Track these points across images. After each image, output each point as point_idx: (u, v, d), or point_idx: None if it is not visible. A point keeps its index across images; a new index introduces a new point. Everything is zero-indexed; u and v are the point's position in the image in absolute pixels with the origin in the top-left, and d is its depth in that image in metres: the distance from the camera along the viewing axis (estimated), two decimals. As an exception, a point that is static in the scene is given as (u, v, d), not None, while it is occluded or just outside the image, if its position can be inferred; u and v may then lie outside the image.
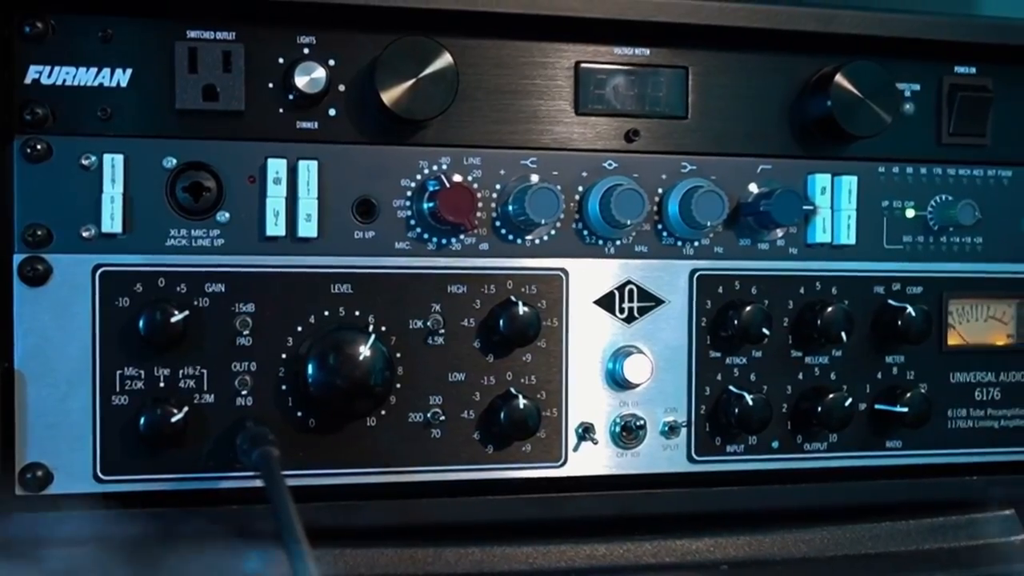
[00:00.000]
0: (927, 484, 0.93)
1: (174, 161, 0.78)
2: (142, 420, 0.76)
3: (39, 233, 0.76)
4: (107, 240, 0.77)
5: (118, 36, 0.77)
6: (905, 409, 0.91)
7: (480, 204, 0.84)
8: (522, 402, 0.83)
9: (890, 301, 0.92)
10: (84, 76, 0.77)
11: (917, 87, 0.94)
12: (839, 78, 0.88)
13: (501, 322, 0.82)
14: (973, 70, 0.96)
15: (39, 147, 0.76)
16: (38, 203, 0.76)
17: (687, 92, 0.89)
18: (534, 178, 0.84)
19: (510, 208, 0.83)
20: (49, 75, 0.76)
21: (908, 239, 0.94)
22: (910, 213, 0.94)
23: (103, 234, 0.77)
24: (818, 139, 0.91)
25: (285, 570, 0.66)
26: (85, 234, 0.77)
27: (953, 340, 0.96)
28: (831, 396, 0.89)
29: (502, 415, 0.82)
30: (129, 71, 0.77)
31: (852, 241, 0.92)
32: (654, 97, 0.88)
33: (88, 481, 0.77)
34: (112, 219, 0.76)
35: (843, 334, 0.89)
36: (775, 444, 0.91)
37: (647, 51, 0.88)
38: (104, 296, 0.77)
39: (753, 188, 0.90)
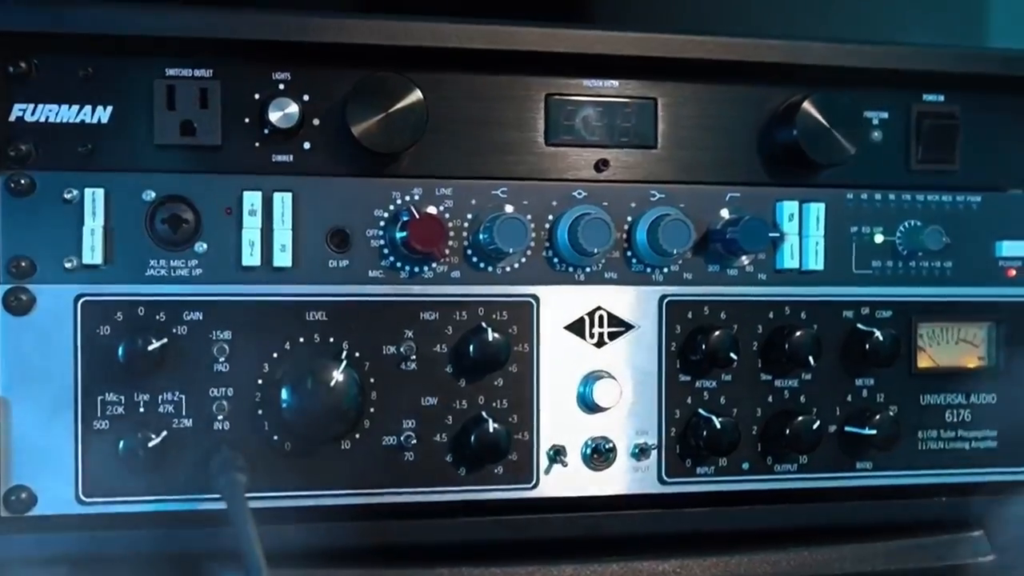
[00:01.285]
0: (897, 505, 0.93)
1: (153, 194, 0.80)
2: (121, 444, 0.78)
3: (23, 264, 0.78)
4: (89, 271, 0.79)
5: (99, 75, 0.79)
6: (874, 431, 0.92)
7: (452, 233, 0.85)
8: (493, 426, 0.84)
9: (859, 325, 0.93)
10: (66, 113, 0.79)
11: (885, 115, 0.95)
12: (805, 108, 0.89)
13: (471, 348, 0.84)
14: (941, 98, 0.97)
15: (23, 182, 0.78)
16: (22, 236, 0.78)
17: (656, 122, 0.90)
18: (508, 208, 0.86)
19: (481, 237, 0.84)
20: (33, 113, 0.78)
21: (877, 264, 0.95)
22: (879, 238, 0.95)
23: (85, 265, 0.79)
24: (786, 167, 0.92)
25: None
26: (67, 265, 0.79)
27: (924, 363, 0.96)
28: (799, 419, 0.90)
29: (473, 439, 0.84)
30: (110, 108, 0.79)
31: (820, 267, 0.92)
32: (623, 128, 0.89)
33: (71, 503, 0.79)
34: (93, 251, 0.78)
35: (811, 358, 0.90)
36: (745, 465, 0.91)
37: (616, 83, 0.89)
38: (85, 325, 0.79)
39: (725, 215, 0.91)
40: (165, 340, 0.79)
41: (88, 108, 0.79)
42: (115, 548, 0.78)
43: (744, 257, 0.91)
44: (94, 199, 0.78)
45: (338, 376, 0.79)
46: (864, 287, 0.94)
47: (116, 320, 0.79)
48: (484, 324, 0.84)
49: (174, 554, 0.78)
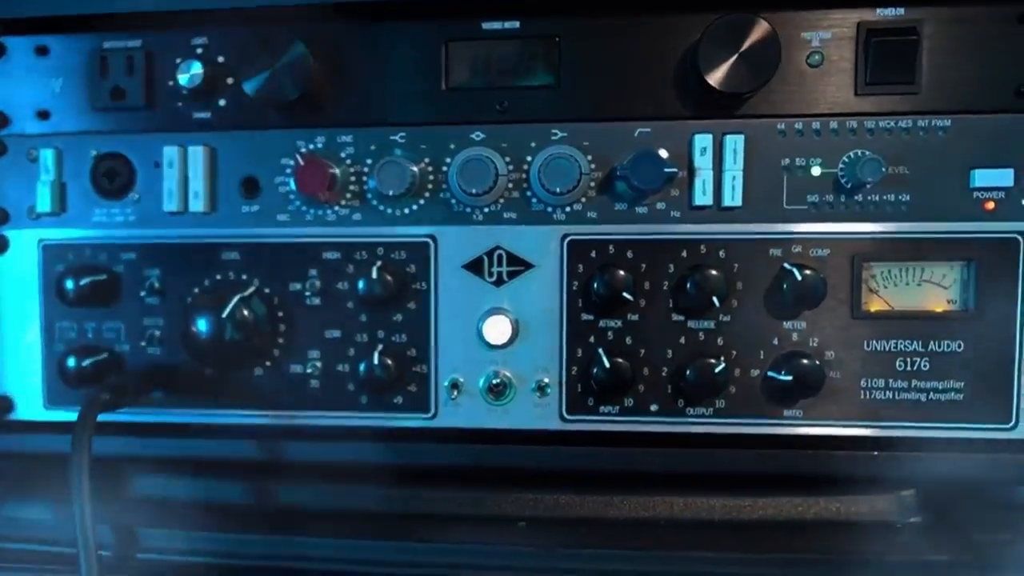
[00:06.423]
0: (822, 456, 0.82)
1: (94, 152, 0.88)
2: (68, 363, 0.88)
3: (-1, 214, 0.90)
4: (48, 218, 0.89)
5: (53, 51, 0.88)
6: (789, 377, 0.82)
7: (353, 178, 0.87)
8: (385, 360, 0.85)
9: (785, 265, 0.83)
10: (28, 85, 0.89)
11: (828, 35, 0.83)
12: (708, 36, 0.80)
13: (361, 285, 0.85)
14: (900, 11, 0.83)
15: (-4, 145, 0.90)
16: (-1, 189, 0.90)
17: (559, 61, 0.85)
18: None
19: (371, 183, 0.85)
20: (3, 87, 0.90)
21: (814, 198, 0.83)
22: (816, 171, 0.83)
23: (44, 213, 0.89)
24: (706, 99, 0.84)
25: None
26: (32, 214, 0.90)
27: (875, 306, 0.84)
28: (701, 361, 0.83)
29: (365, 369, 0.85)
30: (61, 79, 0.89)
31: (738, 202, 0.83)
32: (524, 68, 0.84)
33: (40, 410, 0.91)
34: (47, 201, 0.88)
35: (715, 298, 0.82)
36: (654, 407, 0.85)
37: (516, 23, 0.85)
38: (46, 263, 0.89)
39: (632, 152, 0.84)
40: (103, 276, 0.87)
41: (45, 80, 0.88)
42: (66, 449, 0.89)
43: (653, 195, 0.84)
44: (48, 157, 0.89)
45: (233, 310, 0.84)
46: (797, 224, 0.84)
47: (68, 259, 0.89)
48: (380, 262, 0.85)
49: (107, 458, 0.87)
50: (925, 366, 0.83)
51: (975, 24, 0.82)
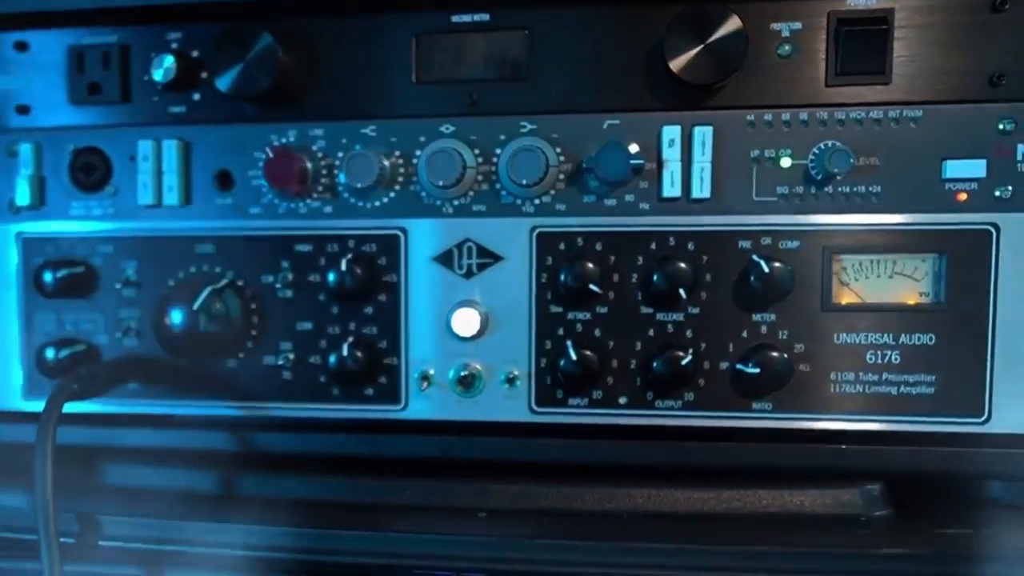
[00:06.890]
0: (791, 450, 0.82)
1: (72, 146, 0.89)
2: (46, 354, 0.89)
3: (-22, 207, 0.91)
4: (27, 211, 0.90)
5: (32, 46, 0.89)
6: (757, 370, 0.81)
7: (324, 171, 0.87)
8: (356, 352, 0.85)
9: (753, 257, 0.83)
10: (9, 81, 0.90)
11: (798, 25, 0.82)
12: (675, 25, 0.79)
13: (331, 278, 0.85)
14: (872, 0, 0.82)
15: (-23, 140, 0.91)
16: (-22, 184, 0.91)
17: (528, 53, 0.84)
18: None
19: (341, 176, 0.86)
20: (-17, 83, 0.91)
21: (783, 190, 0.83)
22: (786, 162, 0.82)
23: (24, 207, 0.90)
24: (675, 90, 0.83)
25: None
26: (12, 208, 0.91)
27: (845, 299, 0.83)
28: (668, 353, 0.82)
29: (336, 360, 0.86)
30: (40, 74, 0.90)
31: (707, 194, 0.83)
32: (494, 60, 0.85)
33: (19, 400, 0.91)
34: (25, 195, 0.89)
35: (681, 290, 0.82)
36: (623, 399, 0.85)
37: (486, 15, 0.85)
38: (25, 256, 0.90)
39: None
40: (80, 269, 0.88)
41: (24, 75, 0.89)
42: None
43: (621, 187, 0.84)
44: (27, 152, 0.90)
45: (204, 302, 0.85)
46: (766, 215, 0.83)
47: (46, 252, 0.90)
48: (351, 255, 0.86)
49: (79, 447, 0.88)
50: (896, 359, 0.82)
51: (947, 13, 0.80)
